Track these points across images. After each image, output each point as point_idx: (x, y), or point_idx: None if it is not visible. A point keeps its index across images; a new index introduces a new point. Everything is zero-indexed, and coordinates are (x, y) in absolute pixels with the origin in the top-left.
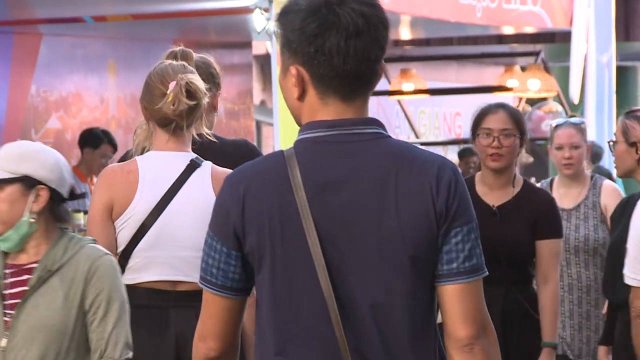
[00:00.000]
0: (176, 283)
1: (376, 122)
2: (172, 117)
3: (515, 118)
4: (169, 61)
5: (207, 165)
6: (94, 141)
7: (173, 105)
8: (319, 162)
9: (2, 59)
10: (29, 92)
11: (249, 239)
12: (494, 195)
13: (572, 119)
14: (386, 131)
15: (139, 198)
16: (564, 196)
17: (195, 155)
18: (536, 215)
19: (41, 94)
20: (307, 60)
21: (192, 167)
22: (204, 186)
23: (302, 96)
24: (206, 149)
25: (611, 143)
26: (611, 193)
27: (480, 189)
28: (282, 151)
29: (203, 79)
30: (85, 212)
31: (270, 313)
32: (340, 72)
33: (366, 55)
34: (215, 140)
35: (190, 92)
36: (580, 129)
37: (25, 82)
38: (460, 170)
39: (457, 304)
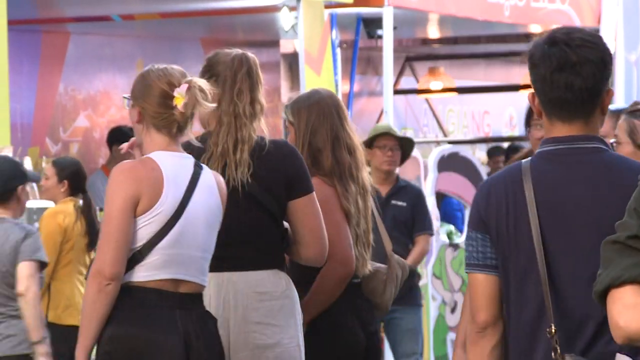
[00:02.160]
0: (179, 284)
1: (597, 139)
2: (179, 119)
3: None
4: (164, 65)
5: (207, 169)
6: (123, 138)
7: (186, 107)
8: (547, 168)
9: (31, 58)
10: (57, 91)
11: (490, 225)
12: None
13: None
14: (607, 146)
15: (167, 195)
16: None
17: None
18: None
19: (69, 93)
20: (536, 88)
21: (198, 170)
22: (212, 190)
23: (542, 116)
24: (255, 153)
25: (614, 144)
26: None
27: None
28: (521, 161)
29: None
30: None
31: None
32: (553, 99)
33: (576, 86)
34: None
35: (206, 94)
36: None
37: (53, 80)
38: (488, 169)
39: None
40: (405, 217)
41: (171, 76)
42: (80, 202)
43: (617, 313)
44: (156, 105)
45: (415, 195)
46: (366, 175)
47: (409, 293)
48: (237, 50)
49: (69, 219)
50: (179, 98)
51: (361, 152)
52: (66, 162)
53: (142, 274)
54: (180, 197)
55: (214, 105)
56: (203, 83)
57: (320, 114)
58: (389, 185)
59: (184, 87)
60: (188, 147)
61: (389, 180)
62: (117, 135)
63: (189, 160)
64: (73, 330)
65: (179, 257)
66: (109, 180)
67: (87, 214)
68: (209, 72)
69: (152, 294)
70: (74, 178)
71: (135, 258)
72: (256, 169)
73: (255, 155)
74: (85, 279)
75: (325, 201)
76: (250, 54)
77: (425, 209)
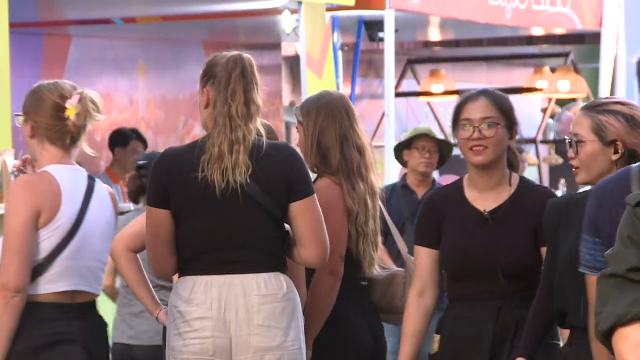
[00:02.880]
0: (77, 295)
1: None
2: (72, 131)
3: (499, 105)
4: (55, 80)
5: (99, 181)
6: (123, 139)
7: (78, 118)
8: None
9: (32, 61)
10: None
11: (602, 229)
12: (485, 199)
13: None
14: None
15: (65, 208)
16: None
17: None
18: (538, 218)
19: None
20: None
21: (92, 182)
22: (106, 202)
23: None
24: (256, 155)
25: (574, 143)
26: None
27: (469, 193)
28: (630, 166)
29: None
30: (121, 214)
31: None
32: None
33: None
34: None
35: (97, 106)
36: None
37: None
38: None
39: None
40: None
41: (62, 89)
42: None
43: (628, 352)
44: (49, 117)
45: None
46: (375, 177)
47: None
48: (234, 52)
49: None
50: (71, 109)
51: (371, 154)
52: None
53: (43, 286)
54: (78, 209)
55: (104, 117)
56: (94, 95)
57: (329, 114)
58: (425, 188)
59: (76, 98)
60: (195, 148)
61: (425, 182)
62: (117, 137)
63: (82, 173)
64: None
65: (78, 269)
66: (9, 195)
67: None
68: (207, 75)
69: (52, 307)
70: None
71: (37, 271)
72: (257, 171)
73: (254, 157)
74: None
75: (330, 204)
76: (247, 55)
77: None
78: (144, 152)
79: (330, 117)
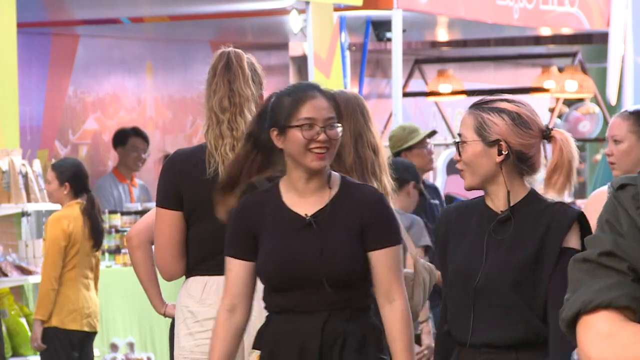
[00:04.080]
0: None
1: None
2: None
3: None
4: None
5: None
6: (122, 138)
7: None
8: None
9: (40, 60)
10: (67, 94)
11: None
12: (306, 203)
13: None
14: None
15: None
16: None
17: None
18: (363, 220)
19: (78, 95)
20: None
21: None
22: None
23: None
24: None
25: (458, 144)
26: None
27: (287, 197)
28: None
29: (252, 79)
30: (122, 213)
31: None
32: None
33: None
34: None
35: None
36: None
37: (62, 83)
38: None
39: None
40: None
41: None
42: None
43: (589, 343)
44: None
45: (439, 192)
46: (388, 178)
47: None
48: (225, 48)
49: (73, 223)
50: None
51: (384, 154)
52: (65, 164)
53: None
54: None
55: None
56: None
57: (344, 113)
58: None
59: None
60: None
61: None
62: (117, 137)
63: None
64: (73, 334)
65: None
66: None
67: (91, 214)
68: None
69: None
70: (74, 180)
71: None
72: None
73: None
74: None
75: None
76: (236, 49)
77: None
78: (145, 148)
79: (345, 116)
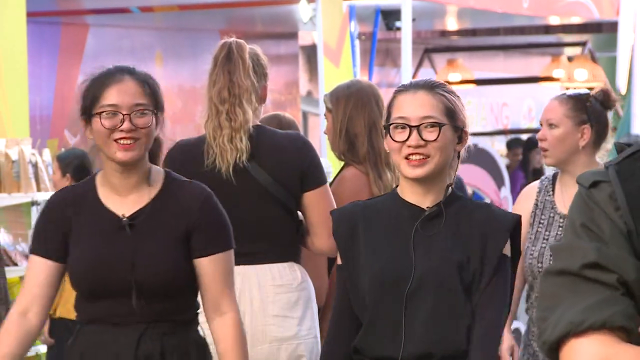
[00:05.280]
0: None
1: None
2: None
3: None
4: None
5: None
6: None
7: None
8: None
9: (50, 50)
10: (76, 83)
11: None
12: (123, 201)
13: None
14: None
15: None
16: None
17: None
18: (188, 223)
19: None
20: None
21: None
22: None
23: None
24: (262, 142)
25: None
26: None
27: (104, 194)
28: None
29: (254, 70)
30: None
31: None
32: None
33: None
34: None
35: None
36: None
37: (72, 72)
38: (507, 161)
39: None
40: None
41: None
42: None
43: None
44: None
45: (458, 182)
46: None
47: None
48: (226, 39)
49: None
50: None
51: None
52: (70, 155)
53: None
54: None
55: None
56: None
57: (358, 102)
58: None
59: None
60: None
61: None
62: None
63: None
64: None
65: None
66: None
67: None
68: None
69: None
70: (76, 171)
71: None
72: (268, 162)
73: (264, 147)
74: None
75: (356, 193)
76: (238, 39)
77: (465, 194)
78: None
79: (359, 105)
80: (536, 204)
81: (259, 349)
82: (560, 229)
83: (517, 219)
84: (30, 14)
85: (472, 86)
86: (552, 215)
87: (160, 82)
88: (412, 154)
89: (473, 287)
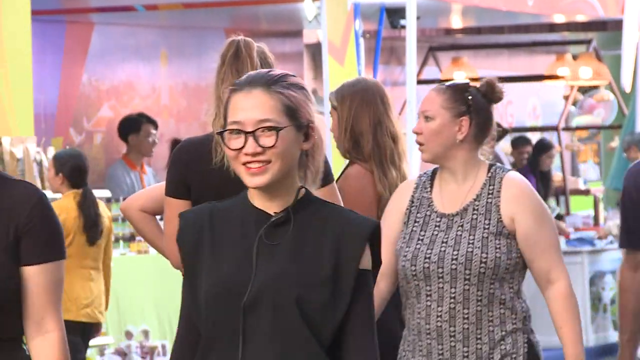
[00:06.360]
0: None
1: None
2: None
3: None
4: None
5: None
6: (134, 125)
7: None
8: None
9: (54, 48)
10: (81, 81)
11: None
12: None
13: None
14: None
15: None
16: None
17: None
18: (17, 226)
19: (93, 83)
20: None
21: None
22: None
23: None
24: None
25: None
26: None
27: None
28: None
29: (261, 68)
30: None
31: None
32: None
33: None
34: None
35: None
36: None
37: (77, 71)
38: (512, 160)
39: None
40: None
41: None
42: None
43: None
44: None
45: None
46: (407, 166)
47: None
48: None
49: (65, 214)
50: None
51: (403, 143)
52: (65, 155)
53: None
54: None
55: None
56: None
57: (363, 101)
58: None
59: None
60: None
61: None
62: (128, 124)
63: None
64: (67, 325)
65: None
66: None
67: (84, 209)
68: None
69: None
70: (70, 171)
71: None
72: None
73: None
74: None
75: (360, 190)
76: (246, 38)
77: None
78: (155, 133)
79: (364, 103)
80: (412, 201)
81: None
82: (437, 228)
83: (376, 225)
84: (34, 13)
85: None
86: (428, 213)
87: (165, 80)
88: (250, 162)
89: (322, 301)
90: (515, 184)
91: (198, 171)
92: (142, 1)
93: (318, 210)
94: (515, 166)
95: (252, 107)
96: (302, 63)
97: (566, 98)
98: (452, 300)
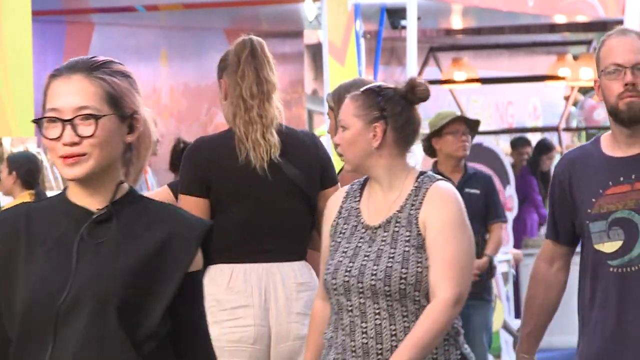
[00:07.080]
0: None
1: None
2: None
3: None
4: None
5: None
6: None
7: None
8: None
9: (55, 49)
10: None
11: None
12: None
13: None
14: None
15: None
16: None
17: None
18: None
19: None
20: None
21: None
22: None
23: None
24: (288, 138)
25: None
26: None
27: None
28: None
29: None
30: None
31: None
32: None
33: None
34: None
35: None
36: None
37: None
38: (512, 160)
39: None
40: (480, 206)
41: None
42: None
43: None
44: None
45: (487, 182)
46: None
47: (479, 287)
48: (243, 37)
49: None
50: None
51: None
52: (18, 156)
53: None
54: None
55: None
56: None
57: None
58: (459, 173)
59: None
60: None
61: (458, 167)
62: None
63: None
64: None
65: None
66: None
67: None
68: (221, 66)
69: None
70: (23, 172)
71: None
72: (294, 155)
73: (288, 140)
74: None
75: None
76: (256, 37)
77: (497, 197)
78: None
79: None
80: (340, 212)
81: (283, 347)
82: (361, 240)
83: (208, 226)
84: (35, 13)
85: (477, 85)
86: (355, 224)
87: (166, 80)
88: (67, 153)
89: (144, 304)
90: (439, 194)
91: (220, 169)
92: (142, 1)
93: (145, 208)
94: (515, 167)
95: (71, 93)
96: (302, 63)
97: (567, 99)
98: (377, 316)
